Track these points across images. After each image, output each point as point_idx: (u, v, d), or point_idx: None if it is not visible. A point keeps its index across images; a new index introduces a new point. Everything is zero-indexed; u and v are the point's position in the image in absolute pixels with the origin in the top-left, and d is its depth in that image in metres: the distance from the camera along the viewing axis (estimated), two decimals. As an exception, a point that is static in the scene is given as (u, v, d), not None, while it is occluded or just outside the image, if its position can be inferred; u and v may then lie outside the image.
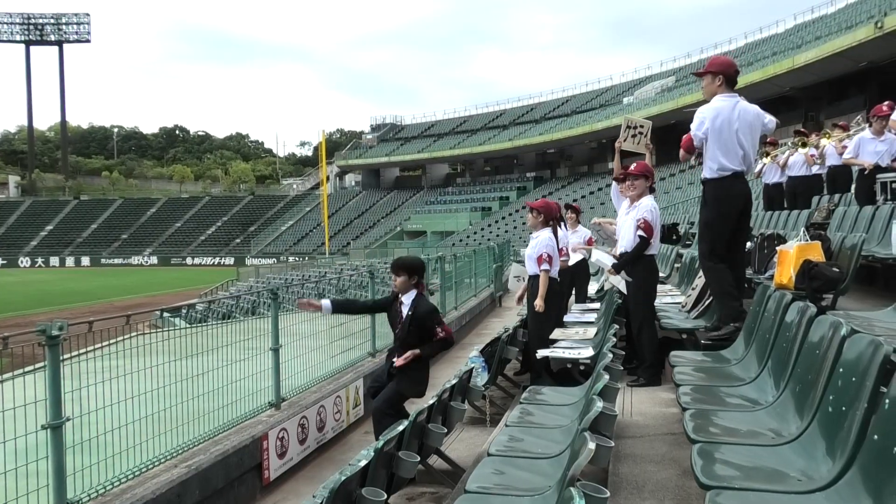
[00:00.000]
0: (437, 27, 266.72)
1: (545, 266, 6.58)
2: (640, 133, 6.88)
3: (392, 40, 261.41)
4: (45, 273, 61.77)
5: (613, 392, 3.96)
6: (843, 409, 2.46)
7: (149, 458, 4.72)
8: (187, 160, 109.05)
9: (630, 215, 6.00)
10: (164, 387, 4.86)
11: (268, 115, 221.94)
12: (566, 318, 7.71)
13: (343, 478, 3.23)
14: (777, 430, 2.89)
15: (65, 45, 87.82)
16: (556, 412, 4.35)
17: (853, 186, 9.02)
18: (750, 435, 2.87)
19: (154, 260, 69.41)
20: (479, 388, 6.08)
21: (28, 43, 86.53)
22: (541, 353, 6.05)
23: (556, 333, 6.66)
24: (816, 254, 4.55)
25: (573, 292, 9.74)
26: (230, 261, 64.57)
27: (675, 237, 11.35)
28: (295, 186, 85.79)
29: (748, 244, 6.35)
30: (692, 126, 4.97)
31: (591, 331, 6.81)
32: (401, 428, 4.12)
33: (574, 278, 9.32)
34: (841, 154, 9.14)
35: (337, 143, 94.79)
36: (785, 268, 4.53)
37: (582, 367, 5.76)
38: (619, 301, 6.34)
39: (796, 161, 10.50)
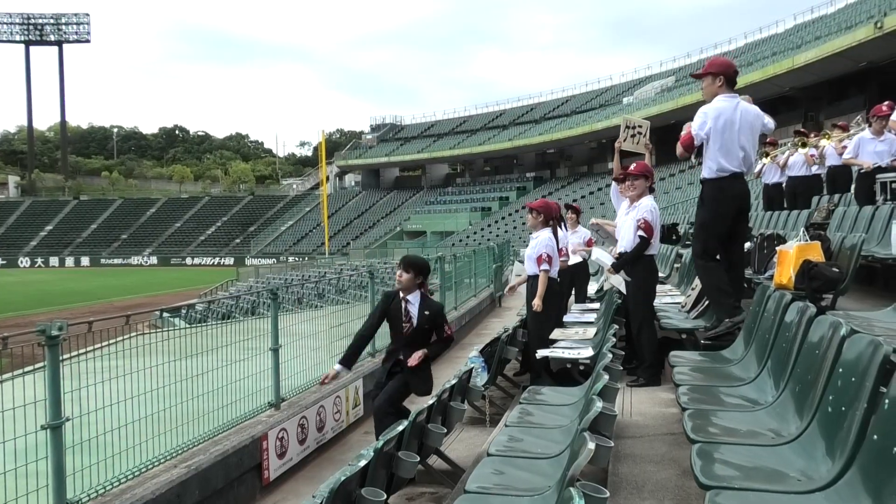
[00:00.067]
0: (437, 27, 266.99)
1: (545, 266, 6.58)
2: (640, 133, 6.88)
3: (392, 40, 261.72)
4: (44, 273, 61.77)
5: (613, 392, 3.96)
6: (843, 409, 2.46)
7: (148, 458, 4.71)
8: (187, 160, 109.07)
9: (630, 215, 6.00)
10: (163, 387, 4.86)
11: (268, 115, 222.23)
12: (566, 319, 7.71)
13: (343, 478, 3.23)
14: (777, 430, 2.89)
15: (64, 45, 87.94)
16: (555, 412, 4.35)
17: (853, 186, 9.02)
18: (749, 435, 2.87)
19: (154, 260, 69.41)
20: (478, 389, 6.08)
21: (28, 43, 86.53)
22: (540, 353, 6.05)
23: (556, 333, 6.66)
24: (816, 254, 4.55)
25: (573, 292, 9.74)
26: (230, 261, 64.57)
27: (674, 237, 11.33)
28: (295, 186, 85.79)
29: (748, 244, 6.36)
30: (693, 124, 4.96)
31: (591, 331, 6.81)
32: (400, 428, 4.12)
33: (574, 278, 9.32)
34: (840, 154, 9.14)
35: (337, 144, 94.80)
36: (785, 268, 4.53)
37: (581, 368, 5.76)
38: (619, 301, 6.34)
39: (796, 161, 10.50)
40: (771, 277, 4.94)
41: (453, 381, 5.30)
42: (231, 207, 77.36)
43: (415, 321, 5.52)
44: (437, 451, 4.91)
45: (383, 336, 8.02)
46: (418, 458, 4.23)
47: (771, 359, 3.63)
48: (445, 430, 4.77)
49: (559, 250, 7.00)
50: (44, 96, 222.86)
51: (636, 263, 5.89)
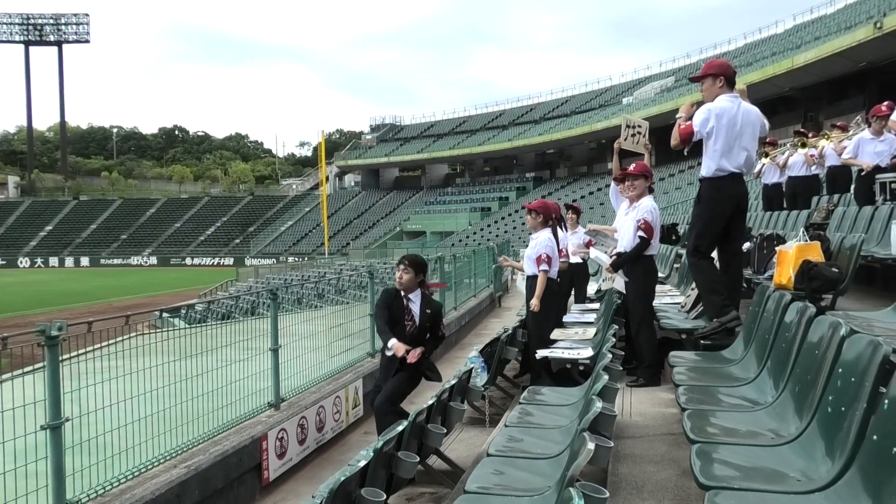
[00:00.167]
0: (437, 27, 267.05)
1: (544, 266, 6.59)
2: (639, 133, 6.88)
3: (392, 40, 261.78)
4: (44, 273, 61.75)
5: (613, 392, 3.96)
6: (843, 409, 2.46)
7: (148, 458, 4.72)
8: (187, 160, 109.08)
9: (630, 216, 6.00)
10: (163, 387, 4.86)
11: (267, 115, 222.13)
12: (565, 319, 7.71)
13: (342, 478, 3.23)
14: (776, 430, 2.89)
15: (64, 46, 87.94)
16: (555, 412, 4.35)
17: (852, 187, 9.02)
18: (749, 435, 2.87)
19: (153, 260, 69.39)
20: (478, 389, 6.08)
21: (27, 43, 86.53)
22: (540, 353, 6.05)
23: (556, 334, 6.66)
24: (816, 254, 4.55)
25: (573, 292, 9.74)
26: (229, 261, 64.56)
27: (674, 237, 11.33)
28: (294, 187, 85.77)
29: (748, 244, 6.37)
30: (696, 120, 4.96)
31: (591, 331, 6.81)
32: (400, 428, 4.12)
33: (573, 278, 9.32)
34: (840, 154, 9.15)
35: (336, 144, 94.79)
36: (784, 268, 4.53)
37: (581, 368, 5.76)
38: (619, 301, 6.34)
39: (796, 161, 10.50)
40: (770, 278, 4.94)
41: (453, 382, 5.30)
42: (231, 208, 77.35)
43: (417, 320, 5.59)
44: (437, 451, 4.91)
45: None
46: (418, 459, 4.23)
47: (770, 359, 3.63)
48: (445, 431, 4.77)
49: (559, 251, 7.00)
50: (43, 96, 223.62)
51: (635, 263, 5.89)
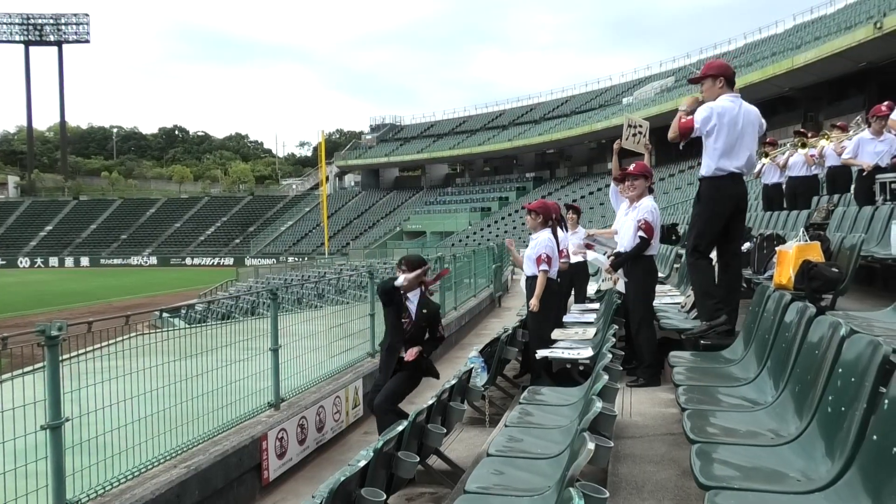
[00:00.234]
0: (437, 27, 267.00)
1: (544, 266, 6.59)
2: (640, 133, 6.88)
3: (392, 40, 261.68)
4: (44, 273, 61.75)
5: (613, 392, 3.96)
6: (843, 409, 2.46)
7: (148, 458, 4.72)
8: (187, 160, 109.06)
9: (630, 216, 6.00)
10: (163, 387, 4.86)
11: (267, 115, 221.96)
12: (565, 319, 7.71)
13: (342, 478, 3.23)
14: (776, 430, 2.89)
15: (64, 46, 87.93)
16: (555, 412, 4.35)
17: (852, 187, 9.02)
18: (749, 435, 2.87)
19: (153, 260, 69.38)
20: (478, 389, 6.08)
21: (27, 43, 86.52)
22: (540, 353, 6.05)
23: (556, 334, 6.66)
24: (816, 254, 4.55)
25: (572, 292, 9.74)
26: (229, 261, 64.55)
27: (674, 237, 11.33)
28: (294, 187, 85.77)
29: (747, 244, 6.37)
30: (697, 116, 4.95)
31: (591, 331, 6.81)
32: (400, 428, 4.12)
33: (573, 278, 9.32)
34: (840, 155, 9.15)
35: (336, 144, 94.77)
36: (784, 268, 4.53)
37: (581, 368, 5.77)
38: (619, 301, 6.34)
39: (796, 161, 10.50)
40: (770, 278, 4.94)
41: (453, 382, 5.30)
42: (231, 208, 77.35)
43: (413, 318, 5.63)
44: (437, 451, 4.91)
45: (382, 336, 8.02)
46: (418, 459, 4.23)
47: (770, 359, 3.63)
48: (445, 431, 4.77)
49: (559, 251, 6.99)
50: (43, 96, 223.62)
51: (636, 263, 5.90)
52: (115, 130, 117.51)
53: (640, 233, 5.78)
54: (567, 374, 5.87)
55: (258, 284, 32.44)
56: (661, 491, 3.31)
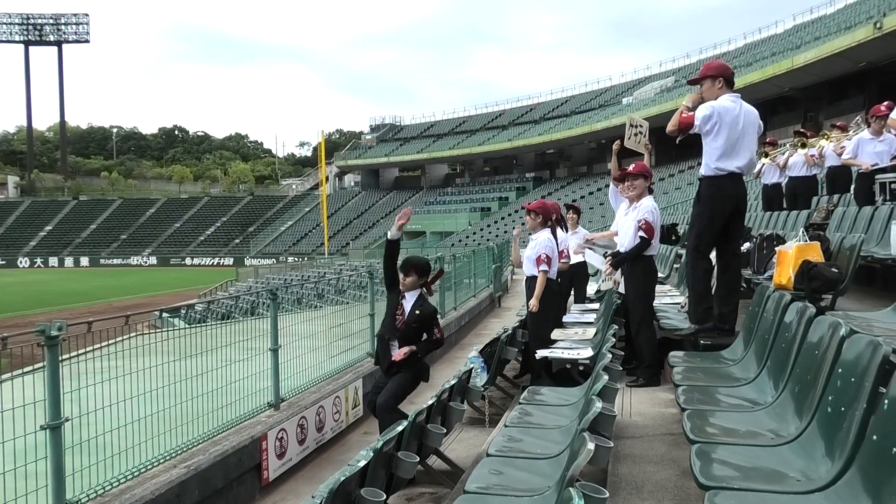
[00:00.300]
0: (436, 27, 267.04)
1: (544, 267, 6.59)
2: (640, 133, 6.89)
3: (392, 40, 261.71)
4: (44, 273, 61.74)
5: (612, 392, 3.96)
6: (843, 409, 2.46)
7: (148, 458, 4.71)
8: (186, 160, 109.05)
9: (630, 216, 6.00)
10: (163, 387, 4.85)
11: (267, 115, 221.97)
12: (565, 319, 7.71)
13: (342, 478, 3.23)
14: (776, 430, 2.89)
15: (64, 46, 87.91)
16: (555, 412, 4.35)
17: (852, 187, 9.03)
18: (749, 435, 2.87)
19: (153, 260, 69.37)
20: (478, 389, 6.08)
21: (27, 43, 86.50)
22: (540, 353, 6.05)
23: (556, 334, 6.66)
24: (815, 254, 4.55)
25: (572, 292, 9.74)
26: (229, 261, 64.55)
27: (674, 237, 11.33)
28: (294, 187, 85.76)
29: (747, 244, 6.37)
30: (699, 113, 4.95)
31: (591, 331, 6.82)
32: (400, 428, 4.12)
33: (573, 279, 9.32)
34: (840, 155, 9.15)
35: (336, 144, 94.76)
36: (784, 268, 4.53)
37: (581, 368, 5.77)
38: (619, 301, 6.34)
39: (796, 161, 10.51)
40: (770, 278, 4.94)
41: (453, 382, 5.30)
42: (230, 208, 77.34)
43: (405, 316, 5.61)
44: (437, 451, 4.91)
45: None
46: (418, 459, 4.23)
47: (770, 359, 3.63)
48: (445, 431, 4.77)
49: (559, 252, 6.99)
50: (43, 96, 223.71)
51: (635, 264, 5.89)
52: (114, 130, 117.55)
53: (641, 233, 5.78)
54: (567, 374, 5.87)
55: (258, 284, 32.45)
56: (661, 491, 3.31)
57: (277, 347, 6.30)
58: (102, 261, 69.30)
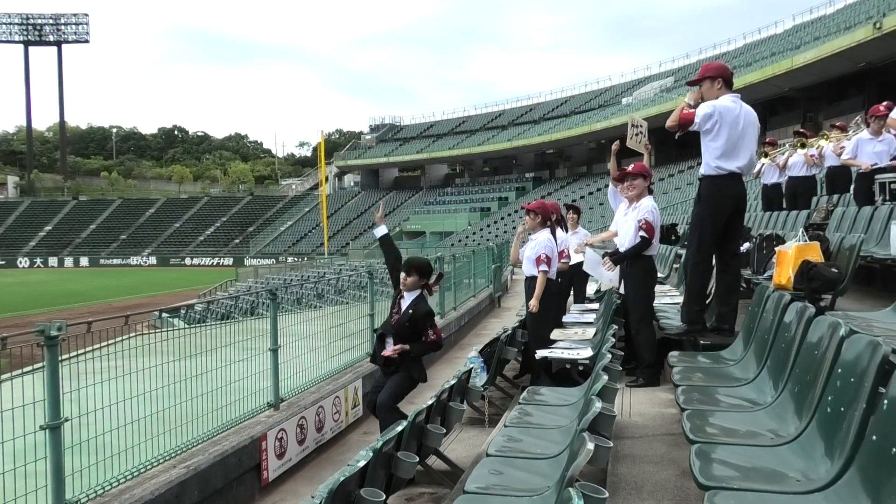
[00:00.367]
0: (436, 27, 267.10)
1: (543, 267, 6.59)
2: (640, 132, 6.89)
3: (391, 41, 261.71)
4: (43, 273, 61.72)
5: (612, 392, 3.96)
6: (842, 409, 2.46)
7: (147, 458, 4.71)
8: (186, 160, 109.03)
9: (630, 216, 6.00)
10: (162, 387, 4.86)
11: (267, 115, 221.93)
12: (565, 319, 7.71)
13: (342, 478, 3.23)
14: (776, 430, 2.89)
15: (63, 46, 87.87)
16: (554, 413, 4.35)
17: (852, 187, 9.03)
18: (748, 435, 2.87)
19: (153, 260, 69.36)
20: (477, 389, 6.08)
21: (27, 43, 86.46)
22: (540, 353, 6.05)
23: (556, 334, 6.66)
24: (815, 254, 4.55)
25: (572, 292, 9.74)
26: (229, 261, 64.54)
27: (674, 237, 11.34)
28: (294, 187, 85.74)
29: (747, 244, 6.37)
30: (699, 112, 4.96)
31: (590, 331, 6.82)
32: (399, 428, 4.12)
33: (573, 279, 9.32)
34: (839, 155, 9.15)
35: (336, 144, 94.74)
36: (784, 268, 4.53)
37: (581, 368, 5.77)
38: (618, 301, 6.34)
39: (796, 162, 10.51)
40: (770, 278, 4.94)
41: (453, 382, 5.30)
42: (230, 208, 77.33)
43: (399, 314, 5.63)
44: (437, 451, 4.91)
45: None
46: (417, 459, 4.23)
47: (770, 359, 3.63)
48: (444, 431, 4.76)
49: (559, 252, 6.99)
50: (43, 96, 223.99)
51: (635, 263, 5.90)
52: (114, 130, 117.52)
53: (642, 232, 5.79)
54: (566, 374, 5.87)
55: (258, 284, 32.45)
56: (661, 491, 3.31)
57: (277, 347, 6.30)
58: (102, 261, 69.28)
